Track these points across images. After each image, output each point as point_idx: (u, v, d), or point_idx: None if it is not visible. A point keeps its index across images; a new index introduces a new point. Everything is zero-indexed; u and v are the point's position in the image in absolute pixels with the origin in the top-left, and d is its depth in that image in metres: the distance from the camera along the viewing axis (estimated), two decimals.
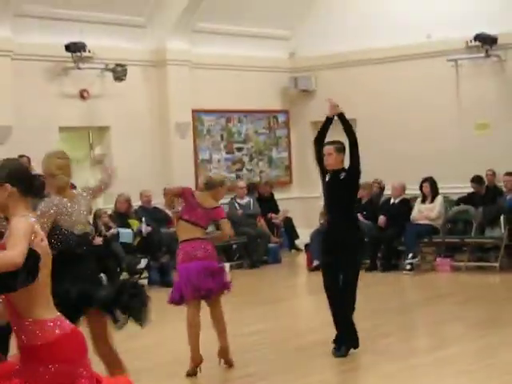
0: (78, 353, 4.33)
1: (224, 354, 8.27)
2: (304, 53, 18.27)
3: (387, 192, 15.95)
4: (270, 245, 16.50)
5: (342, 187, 8.69)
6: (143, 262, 13.82)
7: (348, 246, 8.59)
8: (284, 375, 8.11)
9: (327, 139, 8.86)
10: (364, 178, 16.58)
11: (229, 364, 8.29)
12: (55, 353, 4.22)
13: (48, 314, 4.27)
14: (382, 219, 15.10)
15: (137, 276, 13.62)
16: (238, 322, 10.92)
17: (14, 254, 4.06)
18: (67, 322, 4.35)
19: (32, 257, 4.14)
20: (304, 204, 18.19)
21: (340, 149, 8.76)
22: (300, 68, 18.32)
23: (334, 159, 8.67)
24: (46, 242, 4.31)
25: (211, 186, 8.53)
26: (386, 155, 16.93)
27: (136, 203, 14.64)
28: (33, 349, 4.22)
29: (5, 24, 13.67)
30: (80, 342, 4.38)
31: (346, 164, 8.81)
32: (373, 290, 13.22)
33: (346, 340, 8.60)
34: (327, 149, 8.75)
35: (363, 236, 9.69)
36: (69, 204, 6.46)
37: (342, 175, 8.69)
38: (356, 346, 8.62)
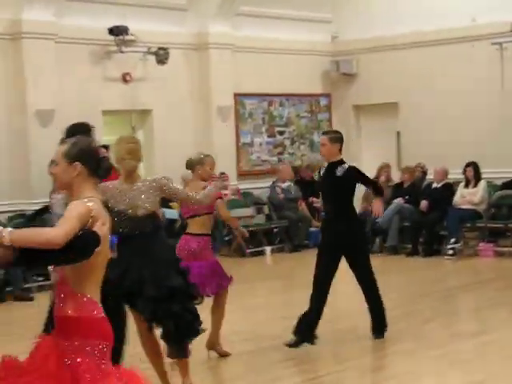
0: (108, 339, 4.35)
1: (212, 345, 8.18)
2: (346, 36, 18.16)
3: (430, 177, 15.86)
4: (311, 229, 16.47)
5: (337, 184, 8.35)
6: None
7: (351, 246, 8.43)
8: (324, 359, 8.12)
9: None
10: (406, 163, 16.69)
11: (223, 354, 8.20)
12: (92, 329, 4.24)
13: (94, 296, 4.30)
14: (424, 203, 15.02)
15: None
16: (279, 306, 10.97)
17: (54, 232, 4.03)
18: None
19: (85, 237, 4.13)
20: None
21: (334, 139, 8.40)
22: (342, 51, 18.22)
23: (328, 150, 8.36)
24: (106, 227, 4.28)
25: (190, 167, 8.28)
26: (429, 139, 16.80)
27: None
28: (74, 320, 4.23)
29: (49, 8, 13.74)
30: (110, 331, 4.39)
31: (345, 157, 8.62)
32: (414, 275, 13.18)
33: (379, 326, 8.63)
34: (321, 139, 8.56)
35: (362, 231, 9.27)
36: (125, 187, 6.52)
37: (339, 171, 8.31)
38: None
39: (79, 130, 6.46)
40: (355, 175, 8.45)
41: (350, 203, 8.50)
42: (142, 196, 6.53)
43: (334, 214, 8.43)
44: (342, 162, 8.39)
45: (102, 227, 4.21)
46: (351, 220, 8.51)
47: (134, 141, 6.78)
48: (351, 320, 9.74)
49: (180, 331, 6.55)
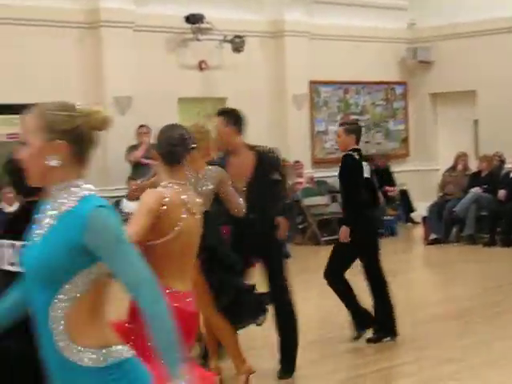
0: (184, 332, 4.35)
1: None
2: (423, 23, 17.95)
3: (508, 165, 15.60)
4: (386, 217, 16.38)
5: (339, 173, 8.20)
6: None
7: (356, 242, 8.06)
8: (399, 349, 8.06)
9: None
10: (484, 151, 16.44)
11: None
12: None
13: (175, 284, 4.31)
14: (502, 193, 14.79)
15: None
16: None
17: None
18: (192, 303, 4.38)
19: None
20: (421, 177, 17.97)
21: (349, 130, 8.22)
22: (419, 39, 18.02)
23: (342, 141, 8.24)
24: (181, 212, 4.31)
25: None
26: (507, 128, 16.51)
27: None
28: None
29: None
30: (191, 326, 4.38)
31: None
32: (491, 265, 13.00)
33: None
34: (338, 130, 8.48)
35: (368, 228, 8.28)
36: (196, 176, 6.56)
37: (342, 160, 8.22)
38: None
39: (231, 112, 7.15)
40: (343, 164, 8.18)
41: (355, 194, 8.03)
42: (202, 188, 6.52)
43: (343, 206, 8.30)
44: (355, 150, 8.19)
45: (170, 214, 4.24)
46: (357, 214, 8.09)
47: (200, 130, 6.67)
48: (426, 309, 9.65)
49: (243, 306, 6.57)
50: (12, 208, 12.00)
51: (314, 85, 16.87)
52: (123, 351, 3.02)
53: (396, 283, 11.64)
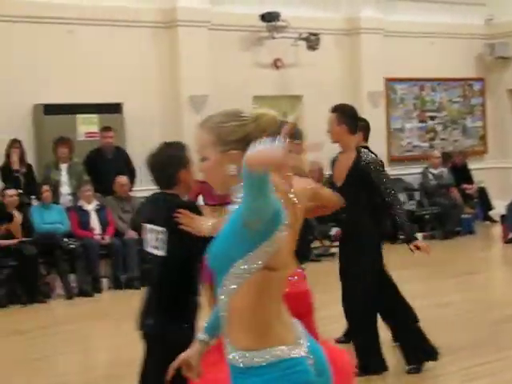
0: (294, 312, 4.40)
1: None
2: (501, 18, 17.68)
3: None
4: (464, 215, 16.18)
5: None
6: (334, 230, 13.89)
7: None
8: (475, 349, 7.95)
9: None
10: None
11: None
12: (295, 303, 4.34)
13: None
14: None
15: (328, 243, 13.90)
16: (430, 293, 10.82)
17: None
18: (297, 284, 4.46)
19: None
20: (499, 174, 17.71)
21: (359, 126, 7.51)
22: (497, 34, 17.75)
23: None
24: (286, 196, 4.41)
25: None
26: None
27: (329, 172, 14.66)
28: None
29: None
30: (302, 303, 4.46)
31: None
32: None
33: None
34: None
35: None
36: None
37: None
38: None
39: (345, 110, 6.97)
40: None
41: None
42: None
43: None
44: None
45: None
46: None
47: None
48: (505, 309, 9.50)
49: None
50: (91, 206, 12.21)
51: (390, 82, 16.76)
52: (278, 352, 2.98)
53: (474, 282, 11.57)
